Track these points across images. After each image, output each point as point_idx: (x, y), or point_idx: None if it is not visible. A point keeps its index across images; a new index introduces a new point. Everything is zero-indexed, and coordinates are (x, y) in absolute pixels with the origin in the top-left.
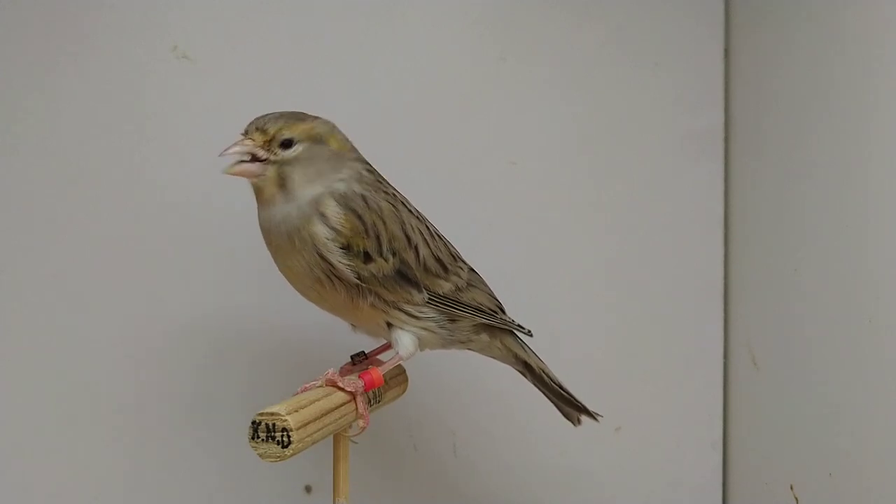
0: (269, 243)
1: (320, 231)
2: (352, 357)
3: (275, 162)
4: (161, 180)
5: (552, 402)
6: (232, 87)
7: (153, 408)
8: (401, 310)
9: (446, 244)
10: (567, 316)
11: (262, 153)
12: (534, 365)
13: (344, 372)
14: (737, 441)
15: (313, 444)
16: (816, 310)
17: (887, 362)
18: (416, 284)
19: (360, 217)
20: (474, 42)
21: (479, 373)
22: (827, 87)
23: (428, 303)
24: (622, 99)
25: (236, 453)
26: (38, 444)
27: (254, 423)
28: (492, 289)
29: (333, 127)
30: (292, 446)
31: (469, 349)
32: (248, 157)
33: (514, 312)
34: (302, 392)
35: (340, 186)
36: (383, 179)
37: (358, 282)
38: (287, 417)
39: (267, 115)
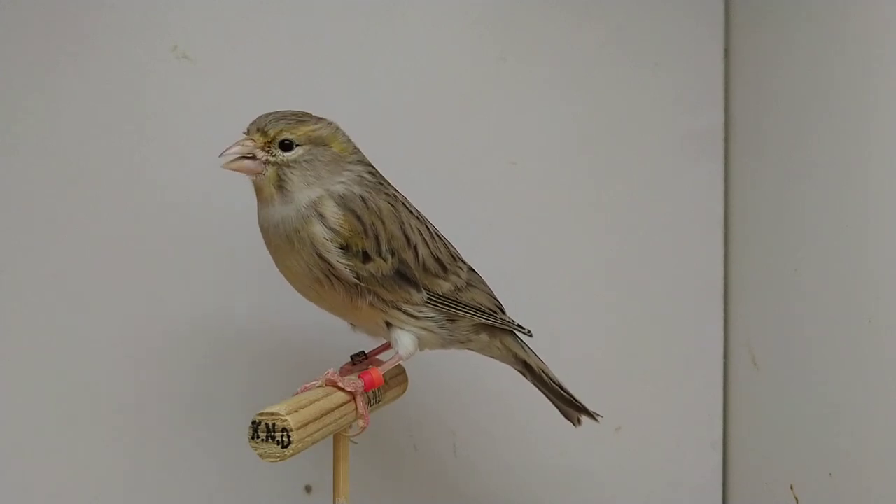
0: (268, 243)
1: (319, 231)
2: (352, 357)
3: (274, 163)
4: (161, 180)
5: (552, 402)
6: (232, 87)
7: (153, 408)
8: (400, 310)
9: (446, 244)
10: (567, 316)
11: (261, 154)
12: (534, 365)
13: (344, 372)
14: (737, 441)
15: (313, 444)
16: (816, 310)
17: (887, 362)
18: (415, 284)
19: (358, 217)
20: (474, 42)
21: (479, 373)
22: (827, 87)
23: (427, 303)
24: (622, 99)
25: (236, 453)
26: (38, 444)
27: (254, 423)
28: (492, 289)
29: (337, 129)
30: (292, 446)
31: (469, 349)
32: (248, 156)
33: (514, 312)
34: (302, 392)
35: (339, 188)
36: (385, 181)
37: (357, 282)
38: (287, 417)
39: (270, 114)
